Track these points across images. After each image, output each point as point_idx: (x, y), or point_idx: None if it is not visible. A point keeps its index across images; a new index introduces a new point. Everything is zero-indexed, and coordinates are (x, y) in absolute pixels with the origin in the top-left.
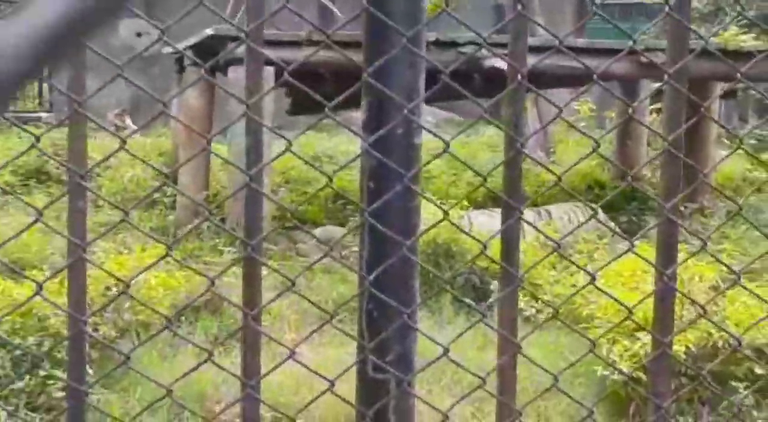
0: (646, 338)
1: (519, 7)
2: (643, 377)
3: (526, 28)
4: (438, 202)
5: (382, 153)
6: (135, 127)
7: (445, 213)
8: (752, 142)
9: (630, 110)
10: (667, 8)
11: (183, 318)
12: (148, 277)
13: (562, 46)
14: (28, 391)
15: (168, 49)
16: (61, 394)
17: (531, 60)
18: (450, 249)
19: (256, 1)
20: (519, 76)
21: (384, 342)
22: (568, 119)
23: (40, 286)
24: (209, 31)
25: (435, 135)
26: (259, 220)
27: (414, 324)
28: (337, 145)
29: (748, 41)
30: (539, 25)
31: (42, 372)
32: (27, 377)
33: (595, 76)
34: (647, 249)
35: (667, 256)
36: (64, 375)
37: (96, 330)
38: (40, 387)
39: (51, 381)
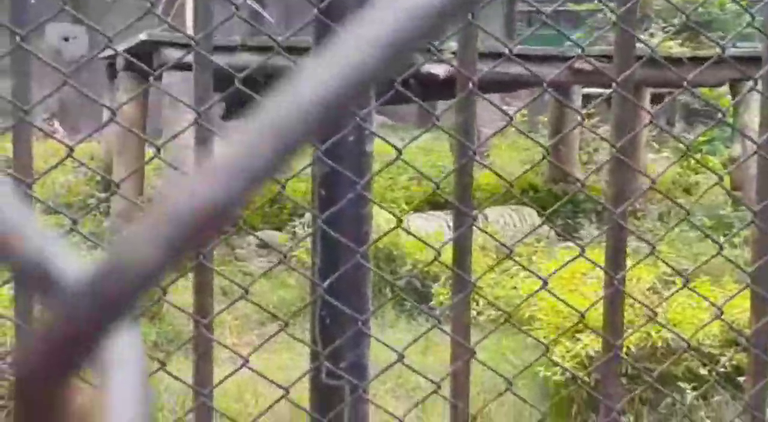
0: (587, 339)
1: (469, 16)
2: (586, 378)
3: (476, 37)
4: (381, 207)
5: (333, 160)
6: (64, 132)
7: (399, 220)
8: (681, 146)
9: (579, 118)
10: (615, 18)
11: None
12: None
13: (512, 55)
14: None
15: (104, 53)
16: None
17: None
18: (391, 253)
19: (204, 10)
20: (470, 84)
21: (337, 349)
22: (502, 125)
23: None
24: (142, 36)
25: (387, 142)
26: None
27: (368, 330)
28: None
29: (674, 48)
30: (487, 32)
31: None
32: None
33: (545, 84)
34: (589, 252)
35: (615, 261)
36: None
37: None
38: None
39: None
